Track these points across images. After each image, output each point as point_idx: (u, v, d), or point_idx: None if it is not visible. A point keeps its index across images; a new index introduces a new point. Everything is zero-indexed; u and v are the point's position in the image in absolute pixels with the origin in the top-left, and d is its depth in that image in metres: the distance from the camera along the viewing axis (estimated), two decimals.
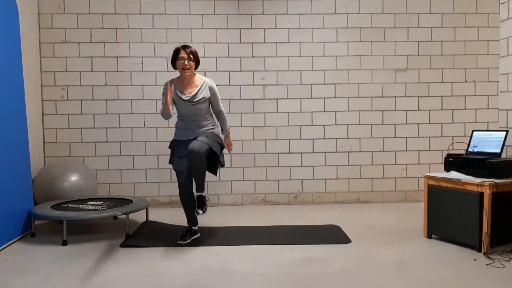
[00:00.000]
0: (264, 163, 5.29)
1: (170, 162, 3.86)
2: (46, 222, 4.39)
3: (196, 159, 3.48)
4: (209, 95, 3.74)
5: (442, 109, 5.33)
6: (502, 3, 3.93)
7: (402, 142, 5.34)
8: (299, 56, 5.25)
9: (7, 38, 3.91)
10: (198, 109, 3.70)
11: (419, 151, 5.35)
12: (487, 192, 3.31)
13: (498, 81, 4.81)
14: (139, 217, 4.43)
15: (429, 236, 3.79)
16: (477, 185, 3.35)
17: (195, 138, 3.65)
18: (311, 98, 5.27)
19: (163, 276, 3.00)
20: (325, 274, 3.00)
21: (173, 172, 5.18)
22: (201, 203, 3.62)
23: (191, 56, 3.64)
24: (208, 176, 5.23)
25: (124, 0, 5.13)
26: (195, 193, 3.65)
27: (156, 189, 5.25)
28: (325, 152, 5.31)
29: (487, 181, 3.32)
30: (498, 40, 4.16)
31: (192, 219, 3.80)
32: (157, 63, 5.18)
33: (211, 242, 3.75)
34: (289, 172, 5.29)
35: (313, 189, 5.33)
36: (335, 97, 5.29)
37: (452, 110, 5.34)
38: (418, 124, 5.33)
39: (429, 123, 5.33)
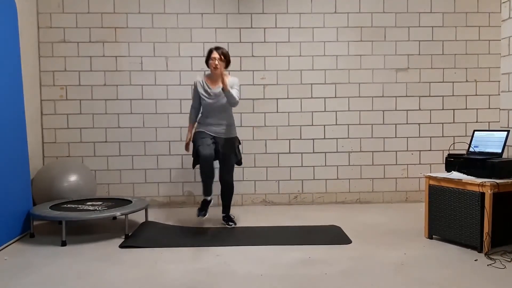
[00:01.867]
0: (264, 163, 5.27)
1: (194, 151, 4.12)
2: (45, 222, 4.37)
3: (228, 188, 4.26)
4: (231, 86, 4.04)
5: (443, 109, 5.32)
6: (503, 3, 3.91)
7: (403, 142, 5.32)
8: (299, 56, 5.24)
9: (6, 37, 3.89)
10: (222, 106, 4.08)
11: (420, 151, 5.33)
12: (488, 192, 3.29)
13: (499, 81, 4.79)
14: (138, 217, 4.41)
15: (430, 237, 3.77)
16: (478, 185, 3.34)
17: (217, 137, 4.10)
18: (312, 98, 5.26)
19: (163, 276, 2.98)
20: (325, 274, 2.98)
21: (173, 172, 5.21)
22: (230, 218, 4.35)
23: (222, 56, 4.04)
24: None
25: None
26: (222, 214, 4.35)
27: (155, 190, 5.23)
28: (325, 152, 5.29)
29: (488, 181, 3.30)
30: (499, 40, 4.15)
31: (207, 189, 4.07)
32: (157, 63, 5.16)
33: (211, 242, 3.73)
34: (289, 172, 5.28)
35: (314, 189, 5.31)
36: (335, 97, 5.27)
37: (453, 110, 5.32)
38: (419, 124, 5.31)
39: (430, 123, 5.32)
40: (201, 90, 4.11)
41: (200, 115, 4.22)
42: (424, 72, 5.29)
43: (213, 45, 5.11)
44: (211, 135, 4.09)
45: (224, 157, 4.14)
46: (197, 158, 4.04)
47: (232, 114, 4.24)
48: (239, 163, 4.31)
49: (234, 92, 4.01)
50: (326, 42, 5.24)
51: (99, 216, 3.80)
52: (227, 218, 4.32)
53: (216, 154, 4.08)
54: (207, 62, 4.12)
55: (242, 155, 5.22)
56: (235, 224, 4.26)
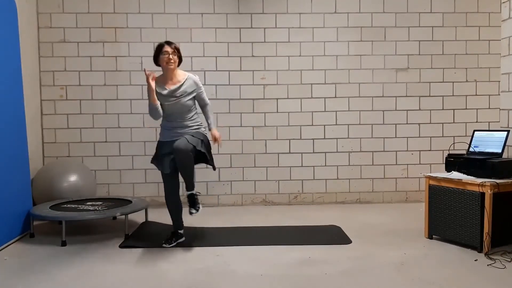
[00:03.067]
0: (264, 163, 5.27)
1: (152, 162, 3.76)
2: (45, 222, 4.37)
3: (181, 156, 3.38)
4: (193, 88, 3.62)
5: (443, 109, 5.32)
6: (503, 2, 3.91)
7: (403, 142, 5.32)
8: (299, 56, 5.23)
9: (6, 37, 3.89)
10: (181, 106, 3.57)
11: (420, 151, 5.33)
12: (488, 192, 3.29)
13: (499, 81, 4.78)
14: (138, 217, 4.41)
15: (430, 237, 3.77)
16: (478, 185, 3.33)
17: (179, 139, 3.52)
18: (312, 98, 5.26)
19: (163, 276, 2.98)
20: (325, 274, 2.98)
21: None
22: (193, 202, 3.52)
23: (175, 51, 3.56)
24: (208, 176, 5.25)
25: None
26: (186, 193, 3.54)
27: (155, 190, 5.23)
28: (325, 152, 5.29)
29: (488, 181, 3.30)
30: (499, 40, 4.14)
31: (178, 223, 3.71)
32: None
33: (211, 242, 3.73)
34: (289, 172, 5.27)
35: (314, 189, 5.31)
36: (335, 97, 5.27)
37: (453, 110, 5.32)
38: (419, 124, 5.31)
39: (430, 123, 5.31)
40: (158, 90, 3.52)
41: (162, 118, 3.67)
42: (424, 72, 5.29)
43: (213, 45, 5.17)
44: (173, 141, 3.52)
45: (180, 139, 3.49)
46: (155, 161, 3.71)
47: (197, 115, 3.75)
48: (213, 165, 3.75)
49: (210, 109, 3.68)
50: (326, 42, 5.24)
51: (99, 216, 3.80)
52: (190, 200, 3.52)
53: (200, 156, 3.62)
54: (156, 59, 3.58)
55: (242, 155, 5.24)
56: (198, 210, 3.49)
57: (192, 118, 3.68)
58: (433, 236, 3.77)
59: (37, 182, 4.50)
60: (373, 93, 5.28)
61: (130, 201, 4.23)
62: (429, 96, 5.30)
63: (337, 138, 5.29)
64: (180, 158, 3.40)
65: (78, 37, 5.11)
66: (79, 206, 4.06)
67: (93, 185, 4.76)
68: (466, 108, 5.32)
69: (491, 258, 3.22)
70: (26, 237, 3.92)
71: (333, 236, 3.89)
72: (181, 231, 3.72)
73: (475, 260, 3.22)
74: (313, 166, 5.29)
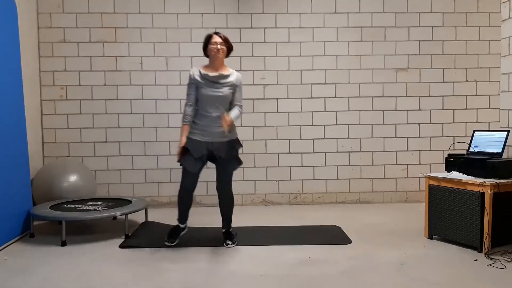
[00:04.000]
0: (264, 163, 5.27)
1: (179, 161, 3.59)
2: (45, 222, 4.37)
3: (227, 198, 3.66)
4: (236, 82, 3.63)
5: (443, 109, 5.32)
6: (503, 2, 3.91)
7: (403, 142, 5.32)
8: (299, 56, 5.23)
9: (6, 37, 3.89)
10: (221, 96, 3.55)
11: (420, 151, 5.33)
12: (488, 192, 3.29)
13: (499, 81, 4.79)
14: (138, 217, 4.41)
15: (430, 237, 3.77)
16: (478, 185, 3.33)
17: (215, 142, 3.55)
18: (312, 98, 5.26)
19: (163, 276, 2.98)
20: (325, 274, 2.98)
21: (173, 172, 5.20)
22: (230, 236, 3.71)
23: (224, 41, 3.62)
24: (208, 176, 5.24)
25: None
26: (222, 230, 3.75)
27: (155, 190, 5.23)
28: (325, 152, 5.29)
29: (488, 181, 3.30)
30: (499, 40, 4.15)
31: (183, 217, 3.70)
32: (157, 63, 5.16)
33: (211, 242, 3.73)
34: (289, 172, 5.27)
35: (314, 189, 5.31)
36: (335, 97, 5.27)
37: (453, 110, 5.32)
38: (419, 124, 5.31)
39: (430, 123, 5.32)
40: (199, 79, 3.57)
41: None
42: (424, 72, 5.29)
43: None
44: (207, 142, 3.55)
45: (222, 163, 3.60)
46: (184, 157, 3.56)
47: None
48: (239, 163, 3.77)
49: (236, 111, 3.61)
50: (326, 42, 5.24)
51: (99, 216, 3.80)
52: (226, 235, 3.72)
53: (212, 159, 3.65)
54: (205, 48, 3.65)
55: (242, 155, 5.22)
56: (234, 243, 3.63)
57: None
58: (433, 236, 3.77)
59: (37, 182, 4.50)
60: (373, 93, 5.28)
61: (130, 201, 4.23)
62: (429, 96, 5.30)
63: (337, 138, 5.29)
64: (224, 199, 3.67)
65: (78, 37, 5.11)
66: (79, 206, 4.06)
67: (93, 185, 4.76)
68: (466, 108, 5.32)
69: (491, 258, 3.22)
70: (26, 237, 3.92)
71: (333, 236, 3.89)
72: (184, 225, 3.74)
73: (475, 260, 3.22)
74: (313, 166, 5.29)
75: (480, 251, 3.35)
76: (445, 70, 5.30)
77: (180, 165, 3.58)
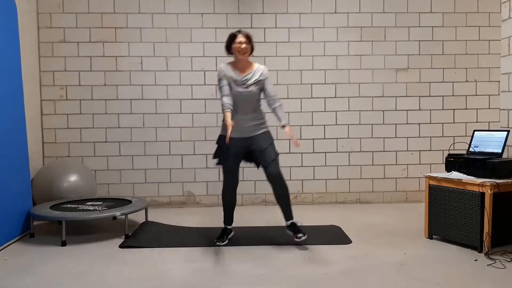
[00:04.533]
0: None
1: (215, 157, 3.65)
2: (45, 222, 4.37)
3: (281, 185, 3.56)
4: (261, 77, 3.63)
5: (443, 109, 5.32)
6: (503, 2, 3.91)
7: (403, 142, 5.32)
8: (299, 56, 5.23)
9: (6, 37, 3.90)
10: (250, 94, 3.59)
11: (420, 151, 5.33)
12: (488, 192, 3.29)
13: (499, 81, 4.78)
14: (138, 217, 4.41)
15: (430, 237, 3.77)
16: (478, 185, 3.33)
17: (249, 137, 3.59)
18: (311, 98, 5.26)
19: (163, 276, 2.98)
20: (325, 274, 2.98)
21: (173, 172, 5.21)
22: (297, 229, 3.61)
23: (248, 40, 3.63)
24: (209, 176, 5.25)
25: None
26: (287, 222, 3.65)
27: (155, 190, 5.23)
28: (325, 152, 5.29)
29: (488, 181, 3.30)
30: (499, 40, 4.14)
31: (229, 218, 3.78)
32: (157, 63, 5.16)
33: (211, 242, 3.73)
34: (289, 172, 5.27)
35: (314, 189, 5.31)
36: (335, 97, 5.27)
37: (453, 110, 5.32)
38: (419, 124, 5.31)
39: (430, 123, 5.32)
40: (230, 75, 3.59)
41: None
42: (424, 72, 5.29)
43: (213, 45, 5.17)
44: (242, 138, 3.58)
45: (264, 155, 3.58)
46: (221, 157, 3.63)
47: (262, 110, 3.77)
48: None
49: (281, 103, 3.65)
50: (326, 42, 5.24)
51: (99, 216, 3.80)
52: (293, 227, 3.61)
53: (250, 155, 3.68)
54: (228, 47, 3.66)
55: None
56: (305, 234, 3.55)
57: (259, 111, 3.70)
58: (433, 236, 3.77)
59: (37, 182, 4.51)
60: (373, 93, 5.28)
61: (130, 201, 4.23)
62: (429, 96, 5.30)
63: (337, 138, 5.30)
64: (279, 187, 3.57)
65: (78, 37, 5.11)
66: (79, 206, 4.07)
67: (93, 185, 4.76)
68: (466, 108, 5.32)
69: (491, 258, 3.23)
70: (26, 237, 3.93)
71: (333, 236, 3.89)
72: (230, 227, 3.80)
73: (475, 260, 3.22)
74: (313, 166, 5.29)
75: (480, 251, 3.35)
76: (445, 70, 5.30)
77: (217, 164, 3.65)
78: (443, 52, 5.28)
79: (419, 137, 5.32)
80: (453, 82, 5.31)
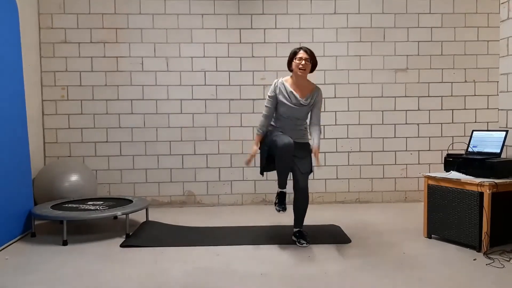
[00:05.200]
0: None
1: (265, 151, 3.72)
2: (46, 222, 4.39)
3: (304, 199, 3.61)
4: (317, 100, 3.65)
5: (442, 109, 5.34)
6: (502, 3, 3.93)
7: (402, 142, 5.34)
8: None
9: (7, 38, 3.91)
10: (301, 112, 3.64)
11: (419, 151, 5.35)
12: (487, 192, 3.31)
13: (498, 81, 4.80)
14: (139, 217, 4.42)
15: (429, 236, 3.79)
16: (477, 185, 3.35)
17: (294, 142, 3.54)
18: None
19: (164, 276, 3.00)
20: (325, 274, 3.00)
21: (174, 172, 5.23)
22: (303, 236, 3.68)
23: (310, 58, 3.58)
24: (209, 176, 5.27)
25: (124, 0, 5.13)
26: (295, 229, 3.72)
27: (156, 189, 5.25)
28: (325, 152, 5.31)
29: (487, 181, 3.32)
30: (498, 40, 4.16)
31: (283, 182, 3.64)
32: (157, 63, 5.18)
33: (211, 242, 3.75)
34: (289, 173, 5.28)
35: (313, 189, 5.31)
36: (335, 97, 5.29)
37: (452, 110, 5.34)
38: (418, 124, 5.33)
39: (429, 123, 5.34)
40: (284, 95, 3.58)
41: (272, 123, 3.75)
42: (423, 72, 5.31)
43: (213, 46, 5.19)
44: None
45: (299, 162, 3.62)
46: (267, 162, 3.70)
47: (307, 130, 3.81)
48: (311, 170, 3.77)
49: (320, 131, 3.73)
50: (326, 43, 5.26)
51: (100, 215, 3.81)
52: (299, 234, 3.70)
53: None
54: (290, 63, 3.63)
55: (242, 155, 5.25)
56: (308, 243, 3.61)
57: (304, 123, 3.74)
58: (432, 235, 3.78)
59: (39, 182, 4.52)
60: (373, 94, 5.30)
61: (131, 201, 4.25)
62: (428, 96, 5.32)
63: (336, 138, 5.31)
64: (301, 198, 3.61)
65: (79, 37, 5.13)
66: (80, 205, 4.08)
67: (94, 185, 4.78)
68: (465, 108, 5.34)
69: (490, 258, 3.24)
70: (27, 237, 3.94)
71: (333, 235, 3.91)
72: (285, 190, 3.67)
73: (474, 260, 3.24)
74: (313, 166, 5.29)
75: (479, 250, 3.37)
76: (444, 71, 5.32)
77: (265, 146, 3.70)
78: (442, 53, 5.30)
79: (418, 137, 5.34)
80: (452, 83, 5.33)
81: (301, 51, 3.57)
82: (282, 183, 3.66)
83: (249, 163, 3.73)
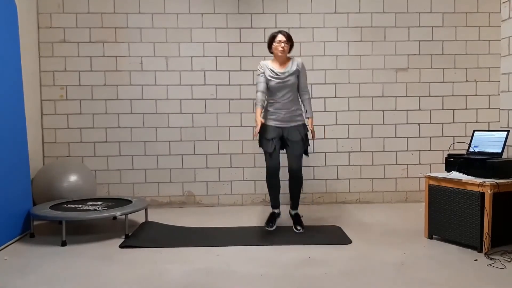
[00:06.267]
0: (264, 163, 5.24)
1: (260, 145, 4.06)
2: (45, 222, 4.37)
3: (297, 180, 3.95)
4: (296, 68, 3.95)
5: (443, 109, 5.32)
6: (503, 3, 3.91)
7: (402, 142, 5.32)
8: (299, 56, 5.22)
9: (6, 37, 3.90)
10: (286, 85, 3.91)
11: (420, 151, 5.33)
12: (488, 192, 3.29)
13: (499, 81, 4.79)
14: (138, 217, 4.41)
15: (430, 237, 3.77)
16: (478, 185, 3.34)
17: (285, 127, 3.92)
18: (311, 98, 5.23)
19: (163, 277, 2.99)
20: (325, 275, 2.98)
21: (173, 172, 5.22)
22: (299, 220, 3.99)
23: (287, 39, 3.92)
24: (209, 176, 5.25)
25: None
26: (292, 212, 4.07)
27: (155, 190, 5.23)
28: (325, 152, 5.29)
29: (488, 181, 3.30)
30: (499, 40, 4.15)
31: (275, 202, 4.05)
32: (157, 63, 5.17)
33: (211, 242, 3.74)
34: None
35: (314, 189, 5.31)
36: (335, 97, 5.27)
37: (453, 110, 5.32)
38: (419, 124, 5.32)
39: (430, 123, 5.32)
40: (268, 72, 3.93)
41: (266, 102, 4.03)
42: (424, 72, 5.29)
43: (213, 45, 5.18)
44: (278, 127, 3.91)
45: (292, 145, 3.93)
46: (261, 141, 4.02)
47: (299, 101, 4.06)
48: (307, 152, 4.07)
49: (310, 97, 4.06)
50: (326, 42, 5.24)
51: (99, 216, 3.80)
52: (295, 219, 4.03)
53: (283, 143, 3.99)
54: (270, 46, 3.99)
55: (242, 155, 5.24)
56: (303, 229, 3.95)
57: (296, 102, 4.00)
58: (433, 236, 3.77)
59: (37, 182, 4.51)
60: (373, 93, 5.28)
61: (130, 201, 4.24)
62: (429, 96, 5.31)
63: (337, 138, 5.30)
64: (294, 181, 3.96)
65: (78, 37, 5.11)
66: (79, 206, 4.07)
67: (93, 185, 4.76)
68: (466, 108, 5.32)
69: (491, 258, 3.23)
70: (26, 237, 3.93)
71: (333, 236, 3.89)
72: (277, 210, 4.08)
73: (475, 260, 3.23)
74: (313, 166, 5.29)
75: (480, 251, 3.36)
76: (445, 70, 5.30)
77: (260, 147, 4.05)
78: (443, 52, 5.28)
79: (419, 137, 5.32)
80: (453, 82, 5.31)
81: (280, 35, 3.92)
82: (274, 203, 4.07)
83: (256, 135, 3.92)
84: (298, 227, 3.95)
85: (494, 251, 3.34)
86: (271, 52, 4.02)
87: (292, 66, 3.95)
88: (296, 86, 3.98)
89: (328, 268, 3.10)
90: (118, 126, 5.19)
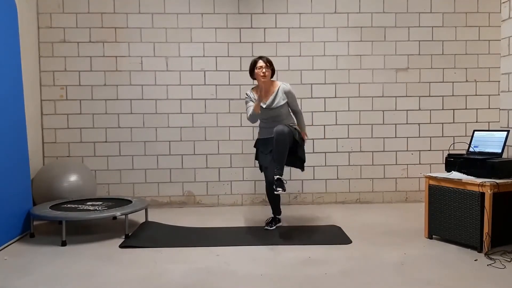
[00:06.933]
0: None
1: (256, 159, 4.24)
2: (45, 222, 4.38)
3: (279, 136, 3.74)
4: (286, 99, 3.99)
5: (443, 109, 5.32)
6: (503, 3, 3.91)
7: (402, 142, 5.32)
8: (299, 56, 5.24)
9: (6, 37, 3.90)
10: (277, 113, 3.99)
11: (420, 151, 5.33)
12: (488, 192, 3.29)
13: (499, 81, 4.79)
14: (138, 217, 4.41)
15: (429, 237, 3.77)
16: (478, 185, 3.34)
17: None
18: (311, 98, 5.26)
19: (163, 276, 2.99)
20: (325, 274, 2.98)
21: (173, 172, 5.22)
22: (281, 184, 3.75)
23: (267, 64, 3.95)
24: (208, 176, 5.25)
25: None
26: (275, 176, 3.78)
27: (155, 190, 5.23)
28: (325, 152, 5.29)
29: (488, 181, 3.30)
30: (499, 40, 4.15)
31: (276, 210, 4.20)
32: (157, 63, 5.17)
33: (211, 242, 3.74)
34: (289, 172, 5.26)
35: (314, 189, 5.31)
36: (335, 97, 5.27)
37: (453, 110, 5.32)
38: (419, 124, 5.32)
39: (430, 123, 5.32)
40: (253, 100, 3.99)
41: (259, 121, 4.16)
42: (424, 72, 5.29)
43: (213, 45, 5.18)
44: (271, 138, 3.86)
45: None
46: (257, 155, 4.18)
47: (291, 116, 4.14)
48: (302, 167, 4.11)
49: (302, 116, 4.16)
50: (326, 42, 5.24)
51: (99, 216, 3.80)
52: (277, 182, 3.72)
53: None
54: (251, 73, 4.04)
55: (242, 155, 5.24)
56: (284, 190, 3.68)
57: (287, 119, 4.07)
58: (433, 236, 3.77)
59: (37, 182, 4.51)
60: (373, 93, 5.28)
61: (130, 201, 4.24)
62: (429, 96, 5.31)
63: (337, 138, 5.30)
64: (277, 138, 3.75)
65: (78, 37, 5.11)
66: (79, 206, 4.07)
67: (93, 185, 4.76)
68: (466, 108, 5.32)
69: (491, 258, 3.23)
70: (26, 237, 3.93)
71: (333, 236, 3.89)
72: (279, 216, 4.25)
73: (475, 260, 3.23)
74: (313, 166, 5.29)
75: (480, 251, 3.36)
76: (445, 70, 5.30)
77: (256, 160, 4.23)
78: (443, 52, 5.28)
79: (419, 137, 5.32)
80: (453, 82, 5.31)
81: (260, 61, 3.96)
82: (273, 211, 4.22)
83: (260, 96, 3.94)
84: (278, 188, 3.68)
85: (494, 251, 3.34)
86: (254, 78, 4.09)
87: (277, 96, 3.96)
88: (286, 109, 4.04)
89: (328, 268, 3.10)
90: (118, 126, 5.18)
